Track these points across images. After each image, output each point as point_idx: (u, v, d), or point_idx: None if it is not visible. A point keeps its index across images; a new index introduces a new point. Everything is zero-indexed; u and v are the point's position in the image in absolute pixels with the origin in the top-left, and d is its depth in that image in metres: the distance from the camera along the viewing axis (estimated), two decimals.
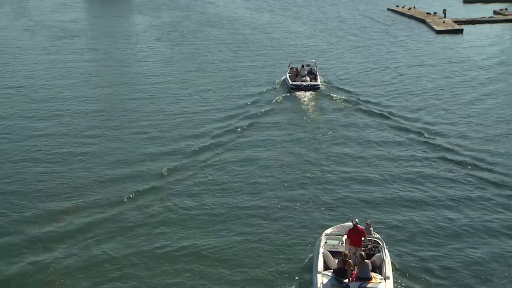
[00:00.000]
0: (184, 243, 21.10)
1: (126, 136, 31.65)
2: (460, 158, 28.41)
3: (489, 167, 27.39)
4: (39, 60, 49.52)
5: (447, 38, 60.19)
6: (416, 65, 48.10)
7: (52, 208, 23.45)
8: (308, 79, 41.14)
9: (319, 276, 17.40)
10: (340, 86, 41.39)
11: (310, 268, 18.78)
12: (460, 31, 62.92)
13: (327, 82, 42.26)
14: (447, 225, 22.36)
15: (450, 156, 28.73)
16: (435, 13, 72.37)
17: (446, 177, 26.49)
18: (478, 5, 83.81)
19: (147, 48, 55.70)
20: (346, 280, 17.21)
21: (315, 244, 19.84)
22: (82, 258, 20.11)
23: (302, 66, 42.64)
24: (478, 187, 25.54)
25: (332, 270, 17.79)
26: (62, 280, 18.98)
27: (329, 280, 17.19)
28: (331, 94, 39.34)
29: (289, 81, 40.87)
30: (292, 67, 42.96)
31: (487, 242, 21.35)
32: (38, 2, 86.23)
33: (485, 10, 76.25)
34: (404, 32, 63.08)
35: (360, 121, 34.27)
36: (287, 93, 39.79)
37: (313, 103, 37.97)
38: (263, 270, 19.44)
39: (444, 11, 70.44)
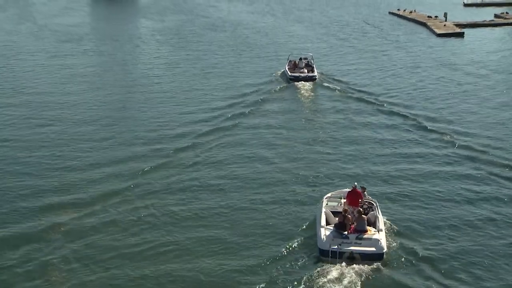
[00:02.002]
0: (196, 206, 23.10)
1: (132, 129, 32.27)
2: (448, 139, 30.52)
3: (476, 146, 29.55)
4: (43, 63, 49.17)
5: (448, 41, 60.39)
6: (416, 66, 48.32)
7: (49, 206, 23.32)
8: (306, 70, 43.03)
9: (322, 229, 19.65)
10: (336, 78, 43.38)
11: (314, 225, 20.95)
12: (461, 35, 62.96)
13: (323, 74, 44.04)
14: (432, 192, 24.57)
15: (443, 138, 30.85)
16: (436, 16, 72.72)
17: (429, 153, 28.89)
18: (479, 8, 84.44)
19: (151, 49, 56.15)
20: (346, 232, 19.32)
21: (317, 206, 22.00)
22: (77, 254, 19.98)
23: (300, 59, 44.51)
24: (456, 160, 27.93)
25: (333, 225, 19.83)
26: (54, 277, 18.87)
27: (330, 232, 19.43)
28: (327, 85, 41.47)
29: (288, 73, 42.94)
30: (290, 60, 44.80)
31: (469, 206, 23.39)
32: (42, 6, 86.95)
33: (486, 14, 76.51)
34: (405, 35, 63.35)
35: (353, 107, 36.62)
36: (286, 83, 41.84)
37: (310, 92, 40.30)
38: (273, 227, 21.47)
39: (445, 15, 70.80)
